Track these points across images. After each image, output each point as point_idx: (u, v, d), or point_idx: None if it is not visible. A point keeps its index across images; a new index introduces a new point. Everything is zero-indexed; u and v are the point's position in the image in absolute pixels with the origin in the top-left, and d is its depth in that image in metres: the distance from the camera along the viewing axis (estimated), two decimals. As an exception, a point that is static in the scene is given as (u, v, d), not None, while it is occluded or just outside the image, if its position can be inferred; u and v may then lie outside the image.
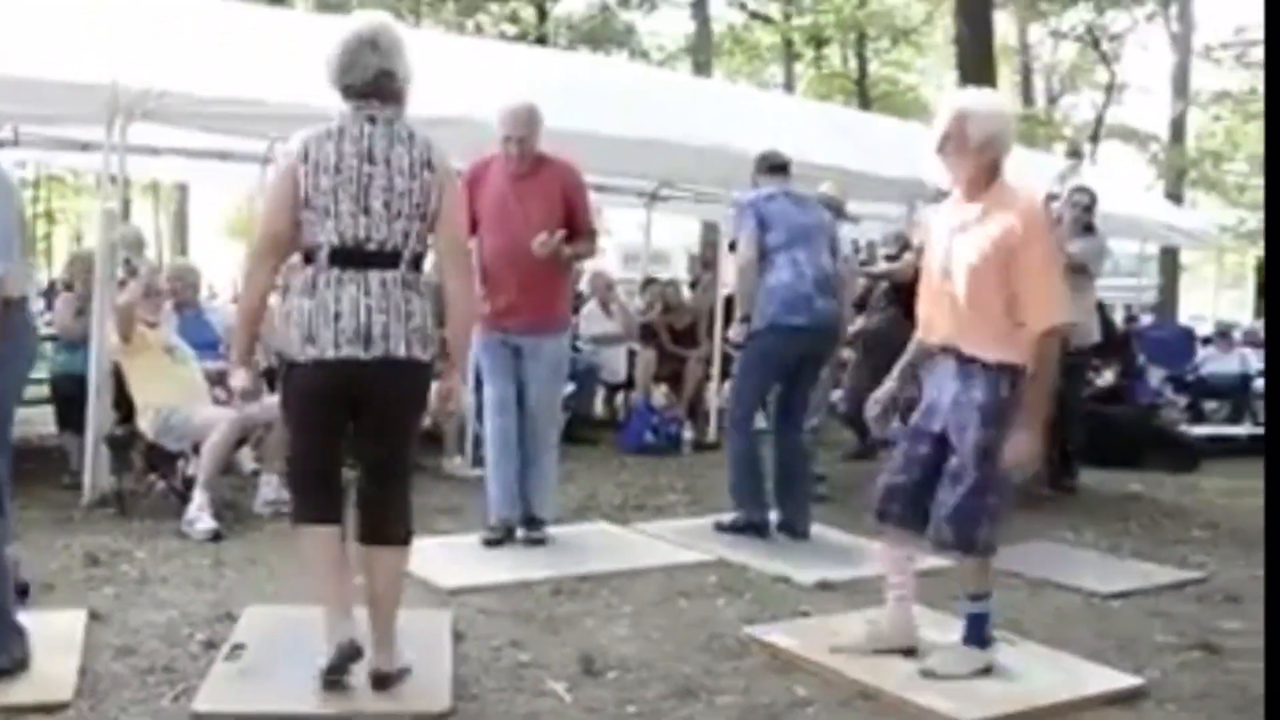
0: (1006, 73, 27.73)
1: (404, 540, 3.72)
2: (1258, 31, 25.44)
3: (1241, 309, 32.26)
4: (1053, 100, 34.96)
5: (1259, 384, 13.02)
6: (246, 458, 6.95)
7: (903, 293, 6.83)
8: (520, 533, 5.75)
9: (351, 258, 3.56)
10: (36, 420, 7.41)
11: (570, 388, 8.01)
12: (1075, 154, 15.16)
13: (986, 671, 3.99)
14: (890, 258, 8.69)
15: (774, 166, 6.31)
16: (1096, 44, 31.73)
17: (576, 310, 9.66)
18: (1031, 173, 7.69)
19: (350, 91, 3.62)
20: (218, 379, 6.81)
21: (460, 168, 4.86)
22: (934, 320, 4.07)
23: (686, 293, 11.63)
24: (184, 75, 6.49)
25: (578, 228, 5.72)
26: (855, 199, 8.61)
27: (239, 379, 3.85)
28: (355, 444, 3.72)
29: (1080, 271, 7.45)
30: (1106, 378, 10.59)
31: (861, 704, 3.78)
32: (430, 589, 4.82)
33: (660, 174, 10.71)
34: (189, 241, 29.91)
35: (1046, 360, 3.82)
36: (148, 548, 5.44)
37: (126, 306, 6.15)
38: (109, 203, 6.52)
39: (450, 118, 6.39)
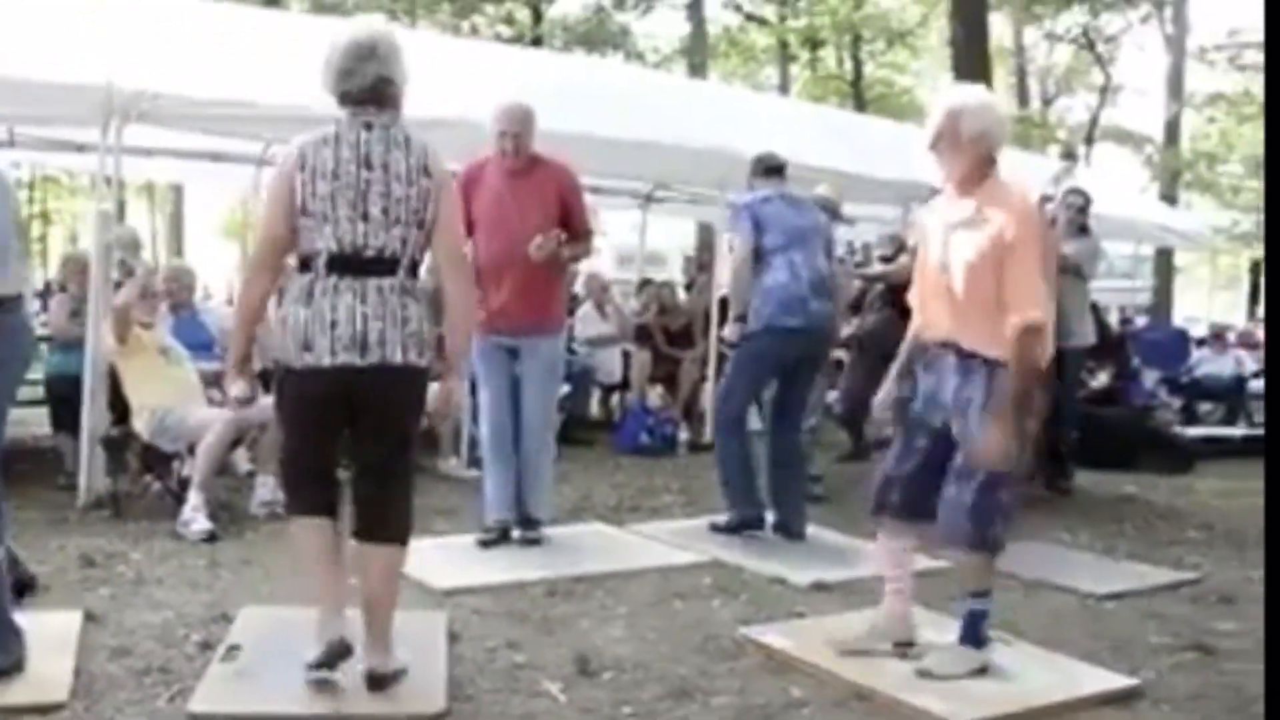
0: (1002, 75, 27.72)
1: (401, 540, 3.73)
2: (1252, 34, 25.54)
3: (1235, 311, 32.31)
4: (1048, 102, 35.00)
5: (1253, 385, 13.05)
6: (242, 459, 6.95)
7: (898, 294, 6.83)
8: (516, 533, 5.75)
9: (349, 264, 3.56)
10: (31, 421, 7.40)
11: (565, 389, 8.01)
12: (1070, 156, 15.18)
13: (982, 671, 4.00)
14: (885, 259, 8.70)
15: (770, 169, 6.32)
16: (1091, 46, 31.80)
17: (572, 312, 9.68)
18: (1026, 175, 7.68)
19: (348, 98, 3.61)
20: (213, 380, 6.82)
21: (455, 169, 4.86)
22: (933, 316, 4.07)
23: (682, 294, 11.63)
24: (179, 77, 6.49)
25: (574, 229, 5.74)
26: (850, 201, 8.59)
27: (236, 388, 3.85)
28: (354, 445, 3.72)
29: (1075, 273, 7.47)
30: (1101, 379, 10.61)
31: (856, 704, 3.78)
32: (425, 590, 4.82)
33: (655, 176, 10.73)
34: (184, 242, 29.84)
35: (1024, 358, 3.81)
36: (143, 549, 5.44)
37: (123, 308, 6.14)
38: (104, 204, 6.51)
39: (446, 119, 6.40)
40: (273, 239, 3.64)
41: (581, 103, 7.99)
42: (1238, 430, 11.95)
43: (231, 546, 5.55)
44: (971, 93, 4.11)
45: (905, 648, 4.21)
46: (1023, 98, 32.47)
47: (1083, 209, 7.93)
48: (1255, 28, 23.86)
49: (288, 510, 3.78)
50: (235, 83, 6.70)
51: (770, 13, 29.73)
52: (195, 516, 5.71)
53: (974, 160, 3.95)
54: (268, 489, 6.11)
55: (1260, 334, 15.93)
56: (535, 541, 5.74)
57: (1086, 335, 7.87)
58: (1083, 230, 7.91)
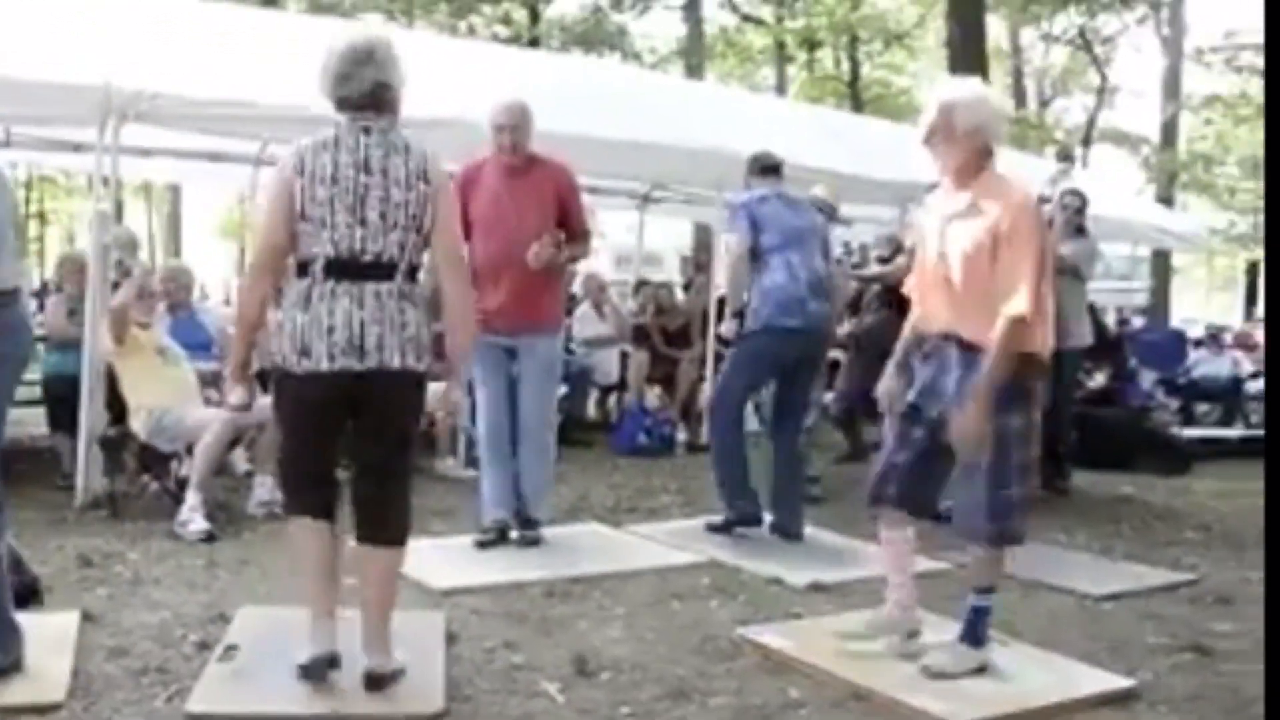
0: (998, 76, 27.76)
1: (399, 540, 3.73)
2: (1248, 35, 25.55)
3: (1232, 312, 32.37)
4: (1044, 103, 35.06)
5: (1250, 386, 13.06)
6: (239, 459, 6.95)
7: (895, 295, 6.84)
8: (515, 533, 5.75)
9: (347, 269, 3.56)
10: (28, 422, 7.39)
11: (563, 390, 8.01)
12: (1066, 157, 15.16)
13: (981, 670, 4.01)
14: (882, 260, 8.71)
15: (766, 168, 6.33)
16: (1088, 47, 31.81)
17: (570, 312, 9.67)
18: (1023, 176, 7.70)
19: (346, 104, 3.61)
20: (210, 380, 6.82)
21: (453, 169, 4.86)
22: (932, 308, 4.08)
23: (679, 295, 11.64)
24: (177, 77, 6.48)
25: (571, 229, 5.74)
26: (847, 202, 8.61)
27: (235, 395, 3.85)
28: (354, 446, 3.72)
29: (1072, 274, 7.48)
30: (1098, 380, 10.61)
31: (854, 705, 3.79)
32: (423, 590, 4.83)
33: (653, 176, 10.74)
34: (182, 242, 29.83)
35: (1004, 346, 3.80)
36: (141, 549, 5.43)
37: (121, 308, 6.13)
38: (102, 204, 6.50)
39: (443, 119, 6.40)
40: (273, 246, 3.64)
41: (578, 103, 7.99)
42: (1235, 431, 11.95)
43: (229, 546, 5.55)
44: (965, 86, 4.11)
45: (914, 636, 4.23)
46: (1019, 99, 32.44)
47: (1080, 210, 7.93)
48: (1252, 29, 23.91)
49: (286, 511, 3.79)
50: (234, 83, 6.69)
51: (767, 13, 29.75)
52: (193, 516, 5.71)
53: (969, 153, 3.96)
54: (265, 489, 6.11)
55: (1257, 335, 15.96)
56: (535, 542, 5.74)
57: (1084, 336, 7.88)
58: (1080, 231, 7.91)
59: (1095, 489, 8.15)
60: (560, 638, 4.36)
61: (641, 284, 12.09)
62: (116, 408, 6.32)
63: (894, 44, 30.77)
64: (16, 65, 6.02)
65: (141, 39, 6.84)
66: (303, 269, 3.60)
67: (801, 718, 3.69)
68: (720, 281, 8.06)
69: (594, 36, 25.76)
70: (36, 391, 7.04)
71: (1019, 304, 3.77)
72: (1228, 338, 15.39)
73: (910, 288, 4.26)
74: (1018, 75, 32.90)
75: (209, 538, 5.61)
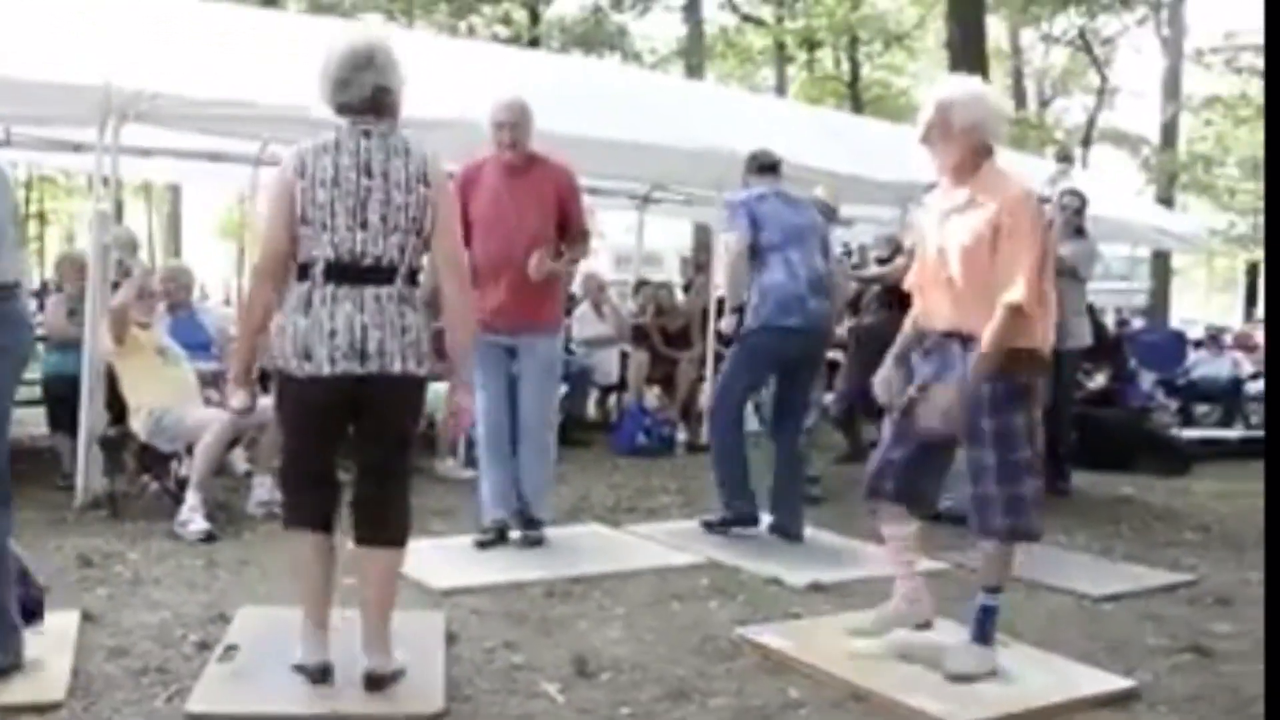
0: (998, 76, 27.77)
1: (399, 541, 3.73)
2: (1248, 36, 25.55)
3: (1232, 313, 32.37)
4: (1044, 104, 35.09)
5: (1250, 387, 13.08)
6: (239, 459, 6.95)
7: (895, 295, 6.85)
8: (517, 534, 5.75)
9: (347, 273, 3.56)
10: (28, 421, 7.39)
11: (563, 389, 8.01)
12: (1066, 158, 15.17)
13: (993, 671, 4.01)
14: (882, 261, 8.71)
15: (764, 166, 6.33)
16: (1088, 48, 31.82)
17: (569, 312, 9.67)
18: (1022, 174, 7.71)
19: (346, 109, 3.61)
20: (210, 380, 6.82)
21: (453, 169, 4.86)
22: (933, 306, 4.07)
23: (679, 295, 11.64)
24: (177, 77, 6.48)
25: (571, 230, 5.74)
26: (847, 202, 8.61)
27: (237, 399, 3.85)
28: (354, 446, 3.72)
29: (1071, 275, 7.48)
30: (1098, 381, 10.62)
31: (854, 705, 3.79)
32: (423, 590, 4.83)
33: (652, 176, 10.74)
34: (182, 242, 29.84)
35: (998, 332, 3.80)
36: (140, 549, 5.44)
37: (121, 309, 6.13)
38: (102, 204, 6.50)
39: (443, 120, 6.41)
40: (275, 251, 3.63)
41: (578, 103, 7.99)
42: (1234, 432, 11.96)
43: (229, 547, 5.55)
44: (963, 84, 4.11)
45: (924, 628, 4.24)
46: (1019, 99, 32.47)
47: (1079, 211, 7.94)
48: (1252, 30, 23.93)
49: (285, 524, 3.78)
50: (234, 83, 6.69)
51: (767, 14, 29.77)
52: (193, 517, 5.71)
53: (966, 151, 3.96)
54: (265, 489, 6.11)
55: (1257, 336, 15.97)
56: (538, 542, 5.73)
57: (1083, 337, 7.89)
58: (1079, 232, 7.92)
59: (1095, 490, 8.15)
60: (560, 638, 4.36)
61: (641, 284, 12.09)
62: (116, 408, 6.32)
63: (894, 45, 30.79)
64: (16, 65, 6.02)
65: (141, 39, 6.84)
66: (303, 272, 3.60)
67: (801, 718, 3.69)
68: (720, 281, 8.06)
69: (594, 37, 25.78)
70: (36, 391, 7.04)
71: (1016, 292, 3.77)
72: (1227, 339, 15.40)
73: (911, 285, 4.26)
74: (1018, 76, 32.92)
75: (209, 538, 5.61)
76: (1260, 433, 11.14)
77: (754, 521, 6.13)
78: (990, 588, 4.05)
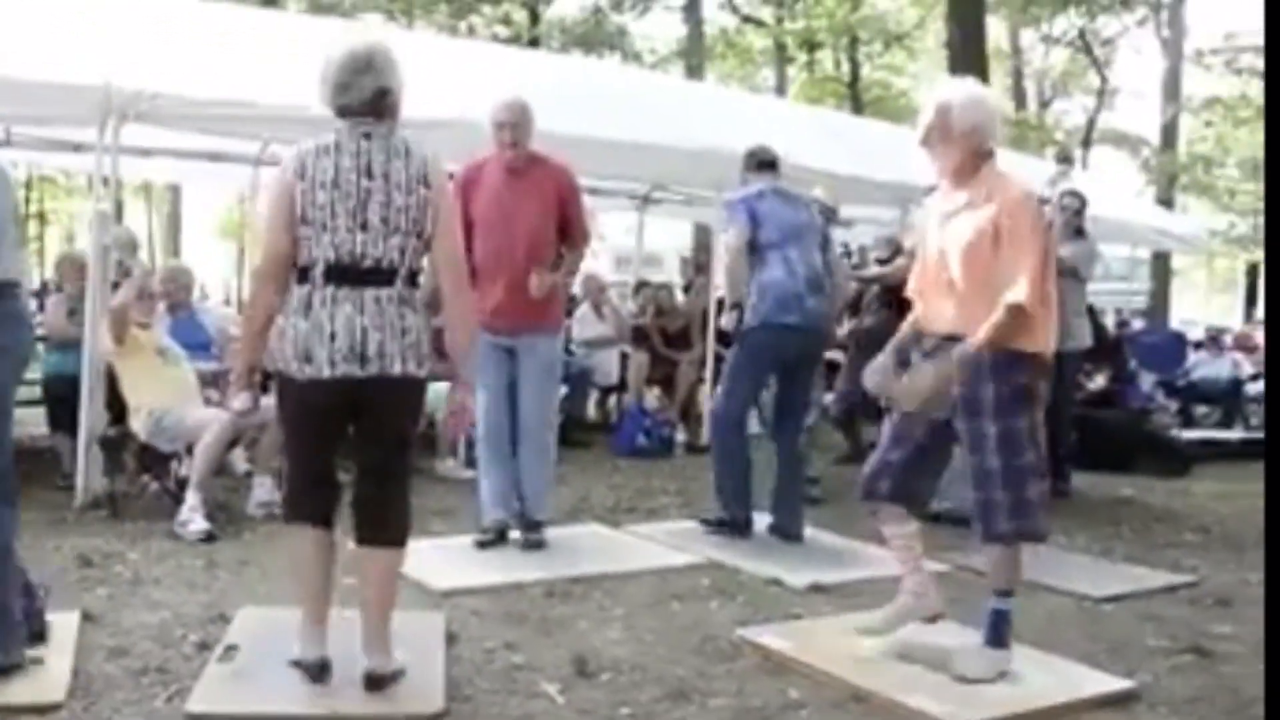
0: (998, 77, 27.77)
1: (399, 541, 3.73)
2: (1248, 37, 25.56)
3: (1232, 314, 32.37)
4: (1044, 105, 35.09)
5: (1250, 388, 13.08)
6: (239, 459, 6.95)
7: (895, 295, 6.85)
8: (518, 535, 5.74)
9: (347, 274, 3.55)
10: (28, 422, 7.36)
11: (563, 390, 8.01)
12: (1066, 159, 15.18)
13: (1005, 673, 4.00)
14: (881, 261, 8.72)
15: (763, 163, 6.33)
16: (1088, 49, 31.82)
17: (569, 313, 9.67)
18: (1022, 175, 7.71)
19: (346, 112, 3.61)
20: (211, 380, 6.82)
21: (453, 169, 4.86)
22: (935, 310, 4.07)
23: (679, 296, 11.65)
24: (177, 77, 6.48)
25: (571, 232, 5.74)
26: (847, 203, 8.62)
27: (239, 401, 3.85)
28: (354, 447, 3.72)
29: (1071, 275, 7.48)
30: (1098, 382, 10.61)
31: (854, 706, 3.78)
32: (423, 590, 4.82)
33: (652, 177, 10.74)
34: (181, 243, 29.84)
35: (997, 326, 3.81)
36: (140, 549, 5.44)
37: (121, 309, 6.13)
38: (102, 204, 6.50)
39: (443, 120, 6.42)
40: (276, 253, 3.62)
41: (578, 104, 7.99)
42: (1234, 433, 11.97)
43: (229, 547, 5.54)
44: (962, 87, 4.11)
45: (934, 621, 4.25)
46: (1019, 100, 32.53)
47: (1079, 211, 7.94)
48: (1252, 31, 23.95)
49: (286, 519, 3.79)
50: (234, 83, 6.69)
51: (767, 14, 29.79)
52: (193, 517, 5.71)
53: (966, 154, 3.97)
54: (265, 489, 6.11)
55: (1257, 337, 15.97)
56: (539, 544, 5.72)
57: (1083, 338, 7.88)
58: (1079, 233, 7.92)
59: (1095, 491, 8.15)
60: (560, 638, 4.36)
61: (641, 285, 12.10)
62: (116, 408, 6.32)
63: (894, 45, 30.78)
64: (16, 65, 6.02)
65: (141, 39, 6.84)
66: (303, 274, 3.59)
67: (801, 719, 3.69)
68: (719, 282, 8.06)
69: (594, 37, 25.78)
70: (36, 391, 7.04)
71: (1019, 293, 3.77)
72: (1227, 340, 15.39)
73: (912, 290, 4.26)
74: (1018, 77, 32.93)
75: (209, 538, 5.61)
76: (1260, 434, 11.14)
77: (747, 528, 6.12)
78: (1001, 591, 4.05)
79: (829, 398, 8.92)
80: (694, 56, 25.32)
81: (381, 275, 3.58)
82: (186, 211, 31.14)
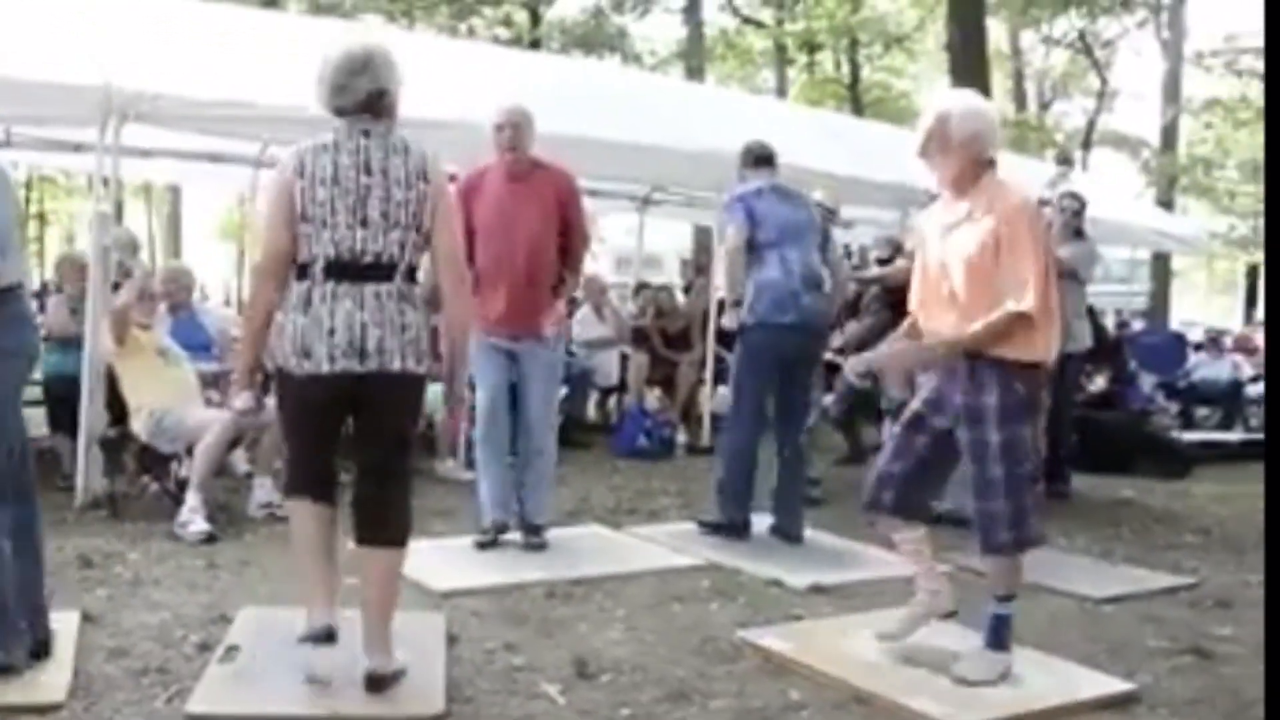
0: (998, 78, 27.73)
1: (399, 541, 3.73)
2: (1248, 39, 25.55)
3: (1232, 315, 32.38)
4: (1044, 106, 35.06)
5: (1250, 390, 13.09)
6: (240, 460, 6.94)
7: (895, 296, 6.85)
8: (519, 538, 5.74)
9: (347, 270, 3.56)
10: (28, 422, 7.37)
11: (563, 391, 8.01)
12: (1065, 161, 15.19)
13: (1006, 676, 4.00)
14: (882, 262, 8.71)
15: (760, 158, 6.33)
16: (1088, 50, 31.81)
17: (570, 315, 9.67)
18: (1022, 179, 7.71)
19: (343, 113, 3.63)
20: (211, 380, 6.82)
21: (454, 170, 4.86)
22: (937, 322, 4.06)
23: (679, 297, 11.65)
24: (177, 77, 6.49)
25: (571, 237, 5.74)
26: (847, 204, 8.62)
27: (241, 400, 3.85)
28: (354, 446, 3.72)
29: (1071, 277, 7.48)
30: (1098, 383, 10.63)
31: (855, 708, 3.78)
32: (423, 591, 4.82)
33: (653, 178, 10.74)
34: (182, 243, 29.83)
35: (992, 327, 3.81)
36: (141, 550, 5.43)
37: (122, 310, 6.14)
38: (102, 205, 6.50)
39: (444, 121, 6.42)
40: (276, 250, 3.63)
41: (579, 105, 8.00)
42: (1234, 435, 11.97)
43: (229, 547, 5.54)
44: (960, 97, 4.13)
45: (949, 618, 4.26)
46: (1020, 102, 32.52)
47: (1078, 213, 7.94)
48: (1252, 33, 23.93)
49: (285, 493, 3.79)
50: (234, 83, 6.70)
51: (767, 16, 29.78)
52: (193, 517, 5.70)
53: (965, 163, 3.97)
54: (265, 490, 6.11)
55: (1257, 338, 15.99)
56: (540, 546, 5.72)
57: (1084, 339, 7.89)
58: (1078, 234, 7.93)
59: (1095, 492, 8.15)
60: (561, 639, 4.36)
61: (641, 286, 12.10)
62: (117, 408, 6.32)
63: (894, 47, 30.76)
64: (16, 65, 6.03)
65: (141, 39, 6.85)
66: (303, 271, 3.60)
67: (802, 720, 3.70)
68: (719, 282, 8.06)
69: (594, 39, 25.77)
70: (37, 392, 7.03)
71: (1026, 302, 3.77)
72: (1227, 341, 15.41)
73: (913, 304, 4.25)
74: (1018, 78, 32.92)
75: (209, 539, 5.60)
76: (1260, 435, 11.15)
77: (745, 531, 6.11)
78: (1002, 596, 4.05)
79: (829, 399, 8.92)
80: (694, 58, 25.31)
81: (381, 270, 3.59)
82: (186, 212, 31.14)
